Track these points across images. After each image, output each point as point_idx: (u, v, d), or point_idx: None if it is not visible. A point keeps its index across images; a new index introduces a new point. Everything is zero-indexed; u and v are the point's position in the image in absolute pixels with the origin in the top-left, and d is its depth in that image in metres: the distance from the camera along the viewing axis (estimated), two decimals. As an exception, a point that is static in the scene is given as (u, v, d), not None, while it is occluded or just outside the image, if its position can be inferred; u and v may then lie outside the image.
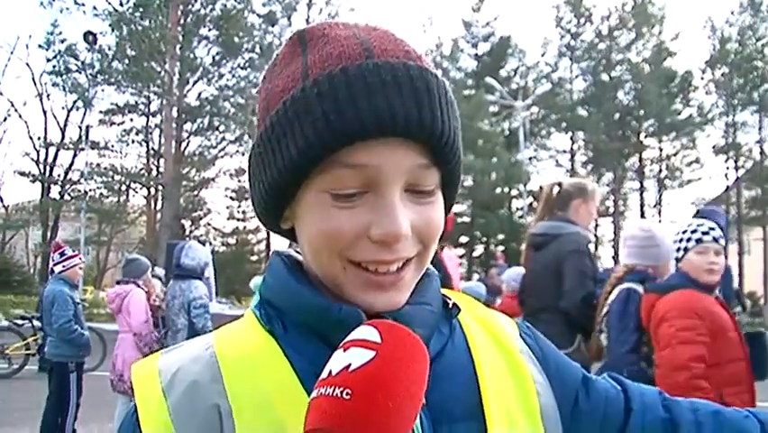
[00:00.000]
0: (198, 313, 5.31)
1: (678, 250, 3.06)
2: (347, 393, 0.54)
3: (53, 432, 6.09)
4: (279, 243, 32.88)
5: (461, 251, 32.37)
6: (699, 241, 2.99)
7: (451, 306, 0.79)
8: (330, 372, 0.57)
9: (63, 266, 6.12)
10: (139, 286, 6.12)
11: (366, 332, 0.59)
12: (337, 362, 0.57)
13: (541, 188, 4.11)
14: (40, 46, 31.85)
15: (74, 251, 6.40)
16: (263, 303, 0.76)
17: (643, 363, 3.20)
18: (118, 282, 6.23)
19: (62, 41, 31.36)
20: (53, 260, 6.22)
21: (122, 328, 6.03)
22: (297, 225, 0.73)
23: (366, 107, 0.63)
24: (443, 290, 0.82)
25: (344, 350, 0.58)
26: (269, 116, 0.69)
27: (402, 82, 0.65)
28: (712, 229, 3.02)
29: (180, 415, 0.66)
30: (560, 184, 3.96)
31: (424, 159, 0.68)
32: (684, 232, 3.06)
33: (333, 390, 0.55)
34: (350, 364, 0.56)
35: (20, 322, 11.69)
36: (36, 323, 11.45)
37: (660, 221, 37.73)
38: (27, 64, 48.67)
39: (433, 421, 0.70)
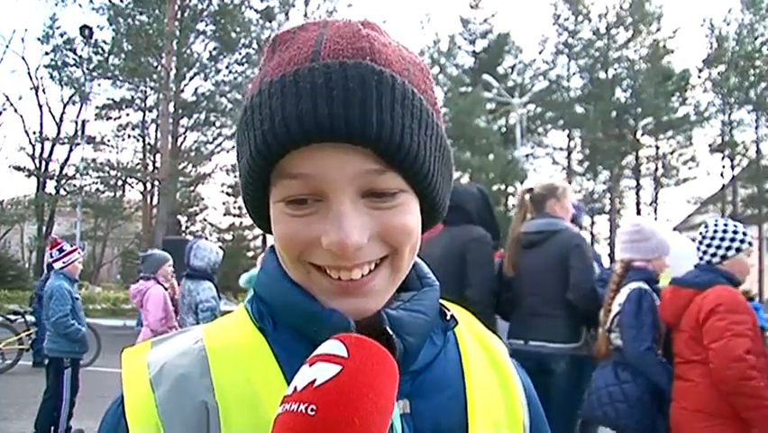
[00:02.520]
0: (205, 316, 5.30)
1: (728, 249, 3.15)
2: (312, 409, 0.52)
3: (48, 427, 6.10)
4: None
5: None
6: (750, 244, 3.15)
7: (449, 317, 0.78)
8: (295, 388, 0.55)
9: (63, 262, 6.15)
10: (158, 282, 6.07)
11: (332, 346, 0.57)
12: (303, 377, 0.56)
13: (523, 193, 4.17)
14: (38, 39, 31.76)
15: (72, 245, 6.43)
16: (255, 299, 0.76)
17: (664, 358, 3.32)
18: (140, 278, 6.20)
19: (61, 35, 31.31)
20: (52, 256, 6.24)
21: (144, 323, 6.02)
22: None
23: (293, 113, 0.61)
24: (444, 302, 0.80)
25: (310, 365, 0.57)
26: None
27: (334, 84, 0.61)
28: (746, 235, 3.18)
29: (167, 409, 0.65)
30: (531, 189, 4.07)
31: (373, 164, 0.64)
32: (736, 233, 3.17)
33: (298, 406, 0.53)
34: (315, 380, 0.54)
35: (12, 317, 11.65)
36: (29, 318, 11.44)
37: (656, 219, 37.78)
38: (23, 58, 48.62)
39: (415, 430, 0.69)
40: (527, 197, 4.03)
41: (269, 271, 0.75)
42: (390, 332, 0.66)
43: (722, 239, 3.15)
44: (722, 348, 2.93)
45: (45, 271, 12.30)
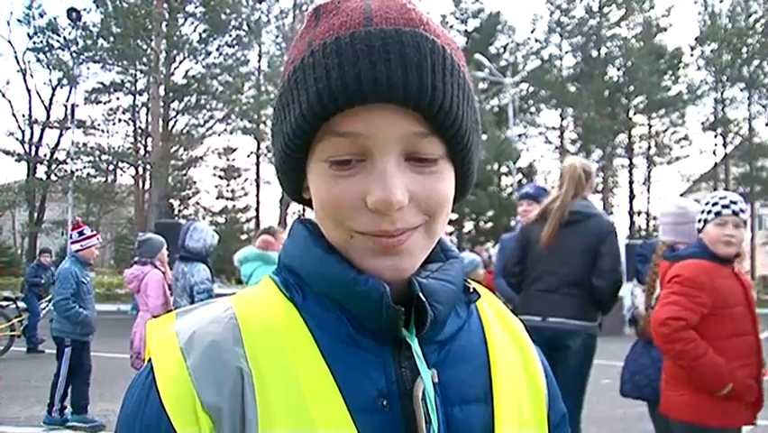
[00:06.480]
0: (201, 298, 5.20)
1: (699, 221, 3.17)
2: None
3: (82, 403, 6.37)
4: (269, 221, 32.87)
5: (450, 228, 32.42)
6: (717, 214, 3.07)
7: (471, 291, 0.80)
8: None
9: (81, 245, 6.31)
10: (156, 267, 6.05)
11: None
12: None
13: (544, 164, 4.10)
14: (19, 21, 31.38)
15: (93, 230, 6.59)
16: (283, 269, 0.76)
17: None
18: (135, 262, 6.17)
19: (41, 15, 30.90)
20: (71, 238, 6.41)
21: (141, 308, 6.00)
22: (311, 195, 0.73)
23: (351, 73, 0.63)
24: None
25: None
26: (279, 88, 0.71)
27: (391, 48, 0.64)
28: (733, 203, 3.09)
29: (200, 376, 0.65)
30: (581, 166, 4.00)
31: (420, 127, 0.66)
32: (706, 204, 3.16)
33: None
34: None
35: (4, 303, 11.60)
36: (21, 304, 11.39)
37: (648, 198, 37.93)
38: (9, 41, 48.08)
39: (444, 401, 0.70)
40: (581, 174, 3.92)
41: (299, 240, 0.75)
42: (423, 298, 0.68)
43: (701, 211, 3.19)
44: (655, 313, 3.10)
45: (37, 256, 12.27)
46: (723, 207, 3.08)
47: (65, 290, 6.11)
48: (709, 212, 3.11)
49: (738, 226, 3.06)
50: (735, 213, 3.06)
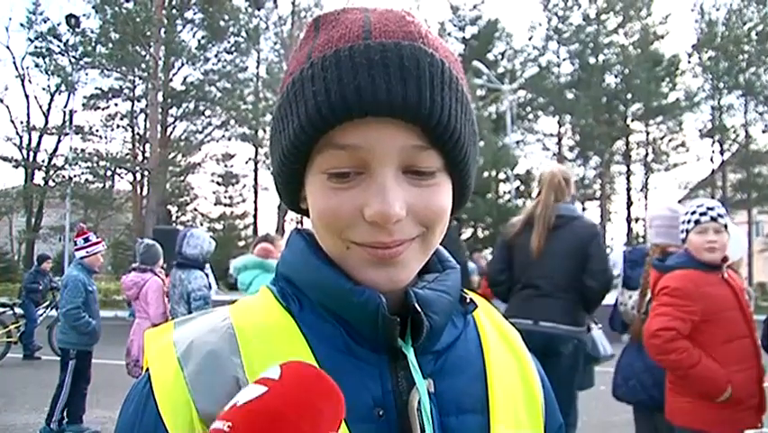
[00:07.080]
0: (198, 305, 5.20)
1: (681, 232, 3.23)
2: (228, 426, 0.53)
3: (76, 414, 6.30)
4: (267, 227, 32.86)
5: (448, 235, 32.41)
6: (697, 222, 3.14)
7: (468, 301, 0.80)
8: (226, 407, 0.56)
9: (87, 252, 6.21)
10: (155, 274, 6.02)
11: (270, 370, 0.58)
12: (235, 397, 0.57)
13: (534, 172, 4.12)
14: (21, 25, 31.47)
15: (98, 237, 6.52)
16: (280, 279, 0.77)
17: None
18: (134, 269, 6.14)
19: (44, 21, 30.95)
20: (76, 244, 6.30)
21: (139, 315, 5.97)
22: (308, 205, 0.73)
23: (350, 86, 0.63)
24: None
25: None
26: (278, 99, 0.71)
27: (390, 62, 0.64)
28: (710, 209, 3.15)
29: (197, 385, 0.65)
30: (561, 173, 4.02)
31: (418, 140, 0.66)
32: (686, 214, 3.22)
33: (222, 424, 0.54)
34: (239, 400, 0.55)
35: (1, 310, 11.52)
36: (18, 310, 11.31)
37: (646, 205, 37.97)
38: (8, 47, 48.11)
39: (440, 411, 0.70)
40: (560, 180, 3.97)
41: (296, 250, 0.76)
42: (419, 308, 0.68)
43: (682, 222, 3.25)
44: (646, 326, 3.16)
45: (35, 263, 12.21)
46: (701, 214, 3.14)
47: (75, 298, 5.97)
48: (689, 221, 3.18)
49: (719, 232, 3.12)
50: (713, 219, 3.12)
